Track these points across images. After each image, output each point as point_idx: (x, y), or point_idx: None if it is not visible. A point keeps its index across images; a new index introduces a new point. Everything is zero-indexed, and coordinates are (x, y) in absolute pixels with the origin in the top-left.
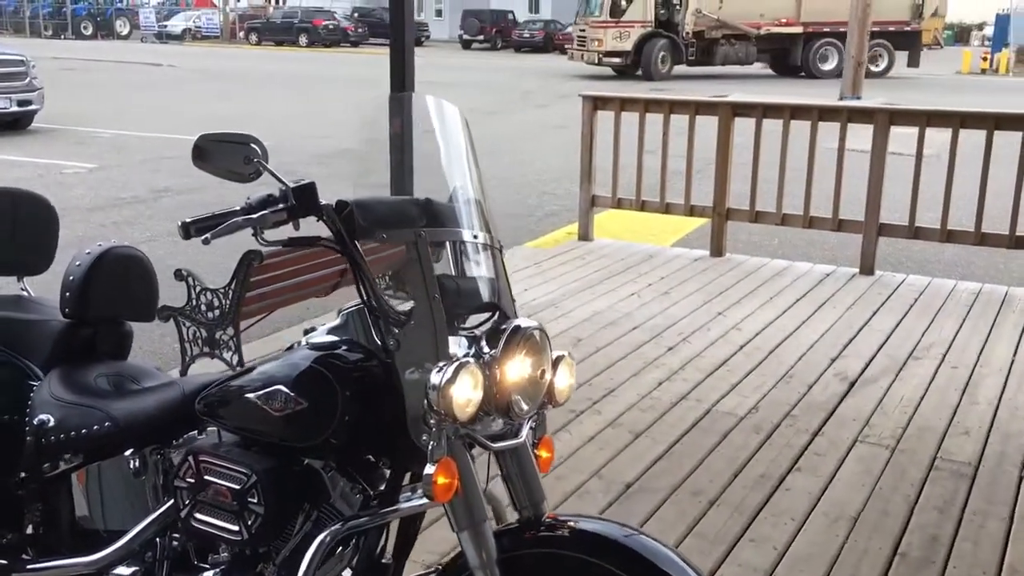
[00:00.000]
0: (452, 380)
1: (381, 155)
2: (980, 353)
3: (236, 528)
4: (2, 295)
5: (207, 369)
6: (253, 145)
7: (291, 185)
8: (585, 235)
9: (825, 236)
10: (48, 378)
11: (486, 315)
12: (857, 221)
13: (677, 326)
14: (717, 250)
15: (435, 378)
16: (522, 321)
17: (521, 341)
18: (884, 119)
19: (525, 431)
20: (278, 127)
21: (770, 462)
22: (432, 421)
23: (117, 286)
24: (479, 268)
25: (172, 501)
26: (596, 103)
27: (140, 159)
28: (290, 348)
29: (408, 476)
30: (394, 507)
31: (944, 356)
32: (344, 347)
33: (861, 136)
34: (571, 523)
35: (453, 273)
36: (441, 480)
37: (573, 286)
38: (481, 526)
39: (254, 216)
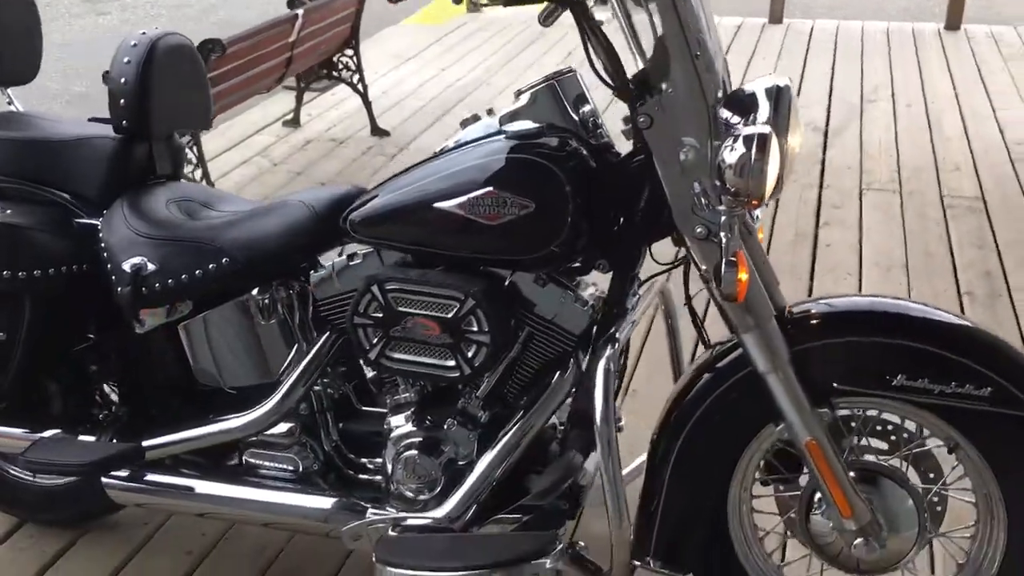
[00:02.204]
0: (762, 154)
1: None
2: (923, 90)
3: (451, 363)
4: None
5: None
6: None
7: None
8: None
9: None
10: (118, 211)
11: None
12: None
13: None
14: None
15: (730, 156)
16: (778, 79)
17: (789, 103)
18: None
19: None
20: None
21: (796, 221)
22: (721, 208)
23: (176, 87)
24: None
25: (322, 342)
26: None
27: None
28: (441, 151)
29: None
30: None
31: (894, 97)
32: (546, 134)
33: None
34: (819, 307)
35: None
36: (743, 276)
37: (494, 60)
38: (769, 323)
39: None
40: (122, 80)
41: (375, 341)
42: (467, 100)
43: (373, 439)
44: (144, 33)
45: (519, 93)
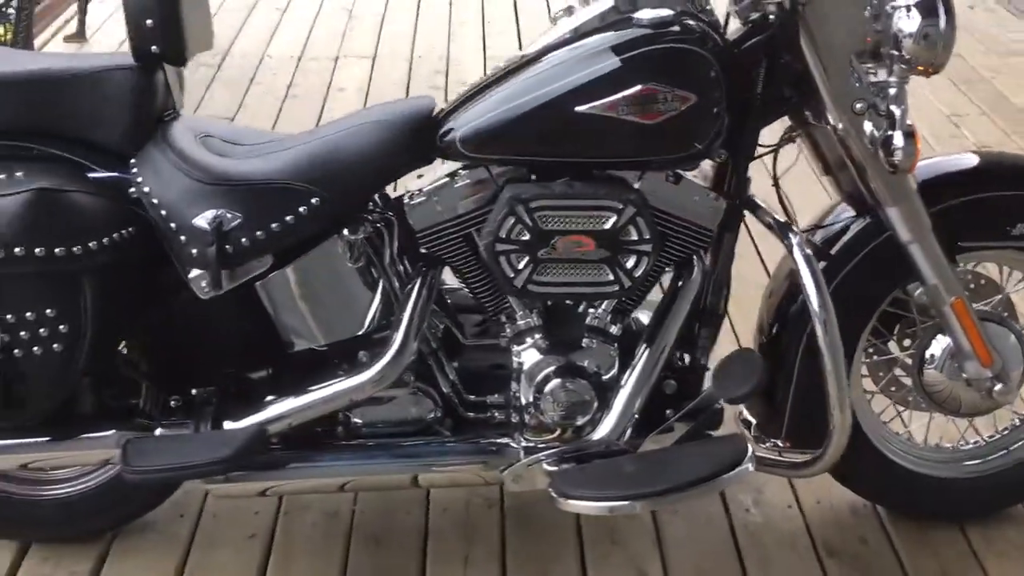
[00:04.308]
0: (951, 18)
1: None
2: None
3: (609, 278)
4: None
5: None
6: None
7: None
8: None
9: None
10: (158, 158)
11: None
12: None
13: None
14: None
15: (908, 24)
16: None
17: None
18: None
19: None
20: None
21: None
22: (892, 79)
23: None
24: None
25: (423, 277)
26: None
27: None
28: (547, 49)
29: None
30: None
31: None
32: (681, 18)
33: None
34: (932, 171)
35: None
36: (920, 146)
37: None
38: (915, 193)
39: None
40: None
41: (521, 267)
42: None
43: (493, 373)
44: None
45: None
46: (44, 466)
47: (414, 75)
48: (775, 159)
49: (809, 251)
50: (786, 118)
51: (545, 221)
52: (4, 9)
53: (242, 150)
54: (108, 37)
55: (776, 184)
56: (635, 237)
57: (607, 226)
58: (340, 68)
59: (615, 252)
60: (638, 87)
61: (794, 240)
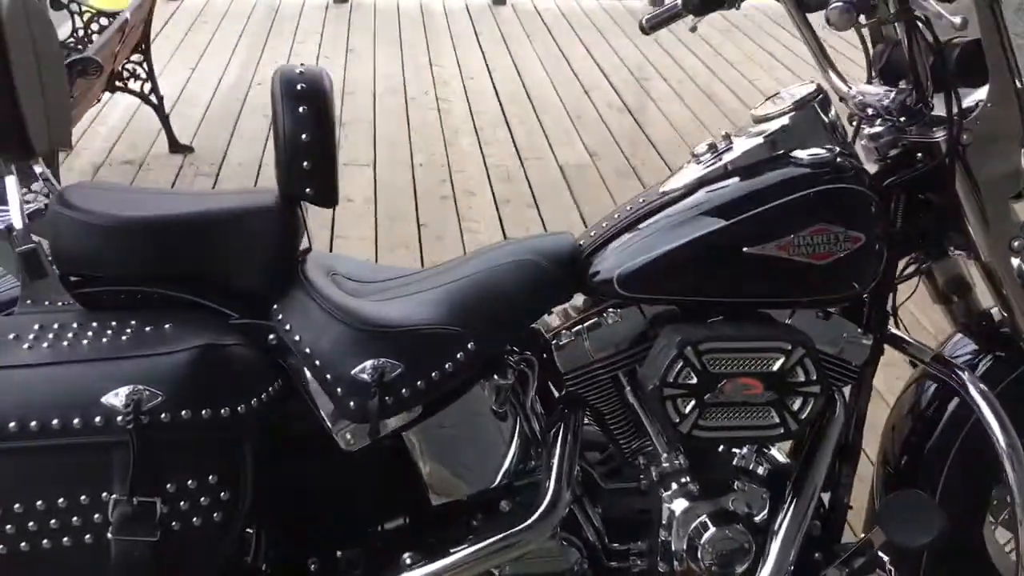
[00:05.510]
0: None
1: None
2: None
3: (774, 421)
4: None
5: None
6: None
7: None
8: None
9: None
10: (307, 302)
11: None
12: None
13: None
14: None
15: None
16: None
17: None
18: None
19: None
20: None
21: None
22: None
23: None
24: None
25: (568, 420)
26: None
27: None
28: (692, 188)
29: None
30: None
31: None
32: (837, 159)
33: None
34: None
35: None
36: None
37: (245, 53)
38: None
39: None
40: (303, 136)
41: (687, 411)
42: (252, 101)
43: (635, 518)
44: (302, 68)
45: (757, 120)
46: None
47: (419, 183)
48: (895, 290)
49: (987, 388)
50: None
51: (714, 364)
52: None
53: (373, 288)
54: (94, 143)
55: (895, 315)
56: (803, 378)
57: (775, 367)
58: (342, 176)
59: (782, 394)
60: (811, 227)
61: (966, 377)
